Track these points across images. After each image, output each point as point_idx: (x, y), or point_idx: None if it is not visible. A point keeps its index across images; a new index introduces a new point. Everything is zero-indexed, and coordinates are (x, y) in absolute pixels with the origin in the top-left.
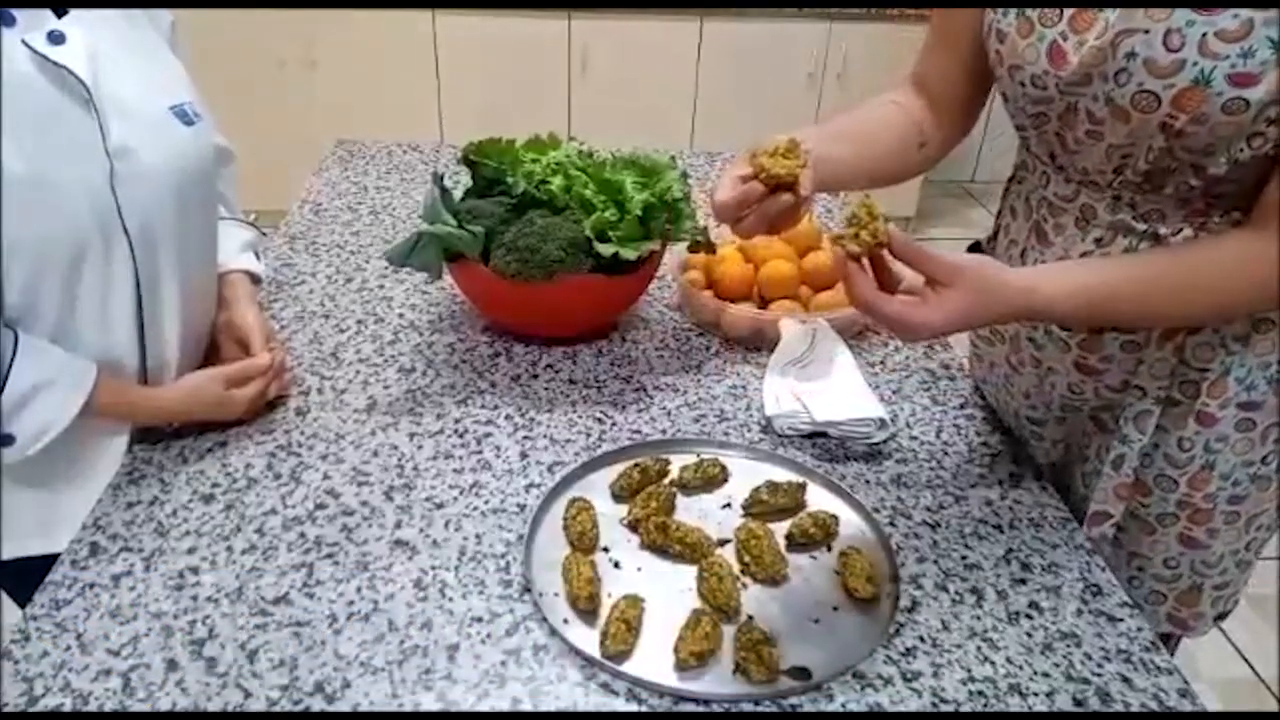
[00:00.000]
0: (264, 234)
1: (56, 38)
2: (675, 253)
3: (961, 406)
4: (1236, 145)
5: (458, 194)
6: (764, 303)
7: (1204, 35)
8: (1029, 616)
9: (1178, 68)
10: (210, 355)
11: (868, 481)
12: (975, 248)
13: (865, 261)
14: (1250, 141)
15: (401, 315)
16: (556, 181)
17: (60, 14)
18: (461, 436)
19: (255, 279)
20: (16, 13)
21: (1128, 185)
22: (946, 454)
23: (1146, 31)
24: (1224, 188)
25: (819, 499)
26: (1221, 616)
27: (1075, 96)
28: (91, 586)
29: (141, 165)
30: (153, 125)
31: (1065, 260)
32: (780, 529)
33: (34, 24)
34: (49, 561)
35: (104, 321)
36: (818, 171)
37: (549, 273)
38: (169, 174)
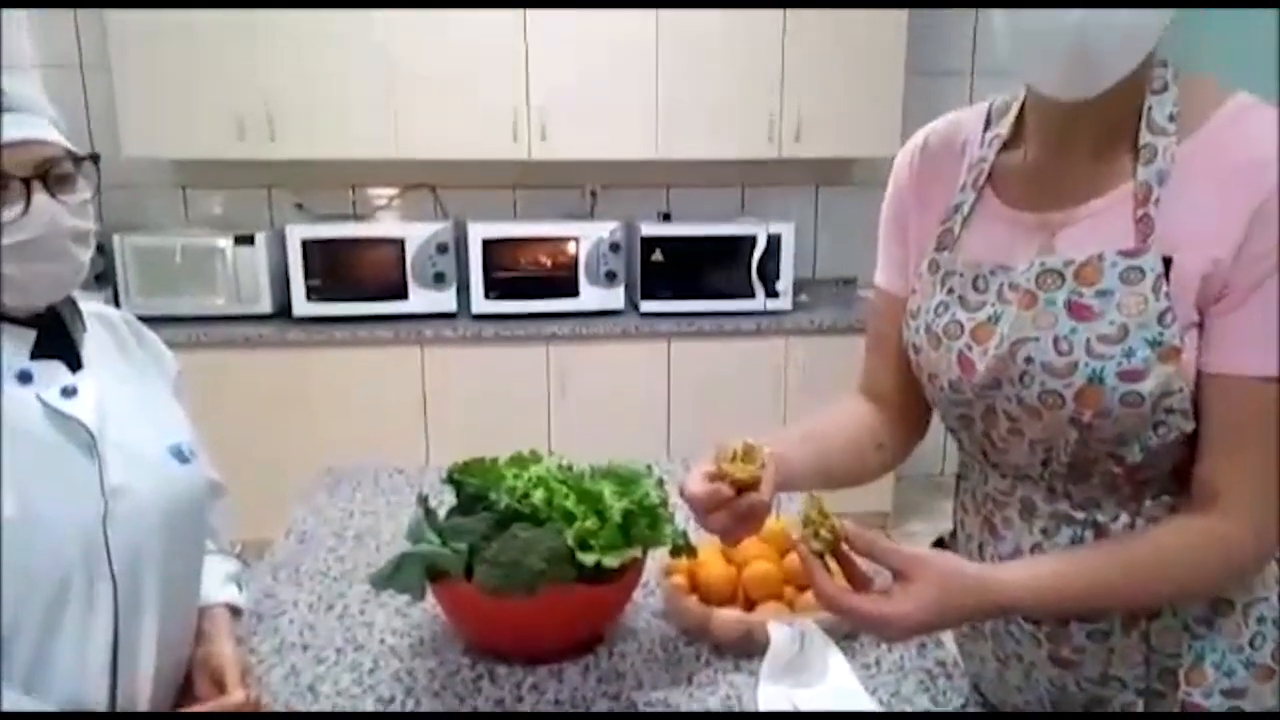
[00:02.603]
0: (247, 565)
1: (69, 391)
2: (657, 558)
3: (963, 706)
4: (1145, 435)
5: (442, 513)
6: (750, 604)
7: (1088, 340)
8: None
9: (1072, 369)
10: (184, 691)
11: None
12: (939, 544)
13: (831, 561)
14: (1156, 430)
15: (382, 640)
16: (538, 495)
17: (75, 369)
18: None
19: (236, 612)
20: (35, 370)
21: (1057, 476)
22: None
23: (1038, 340)
24: (1146, 474)
25: None
26: None
27: (990, 399)
28: None
29: (135, 503)
30: (150, 465)
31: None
32: None
33: (50, 380)
34: None
35: (79, 659)
36: (778, 473)
37: (532, 585)
38: (160, 511)
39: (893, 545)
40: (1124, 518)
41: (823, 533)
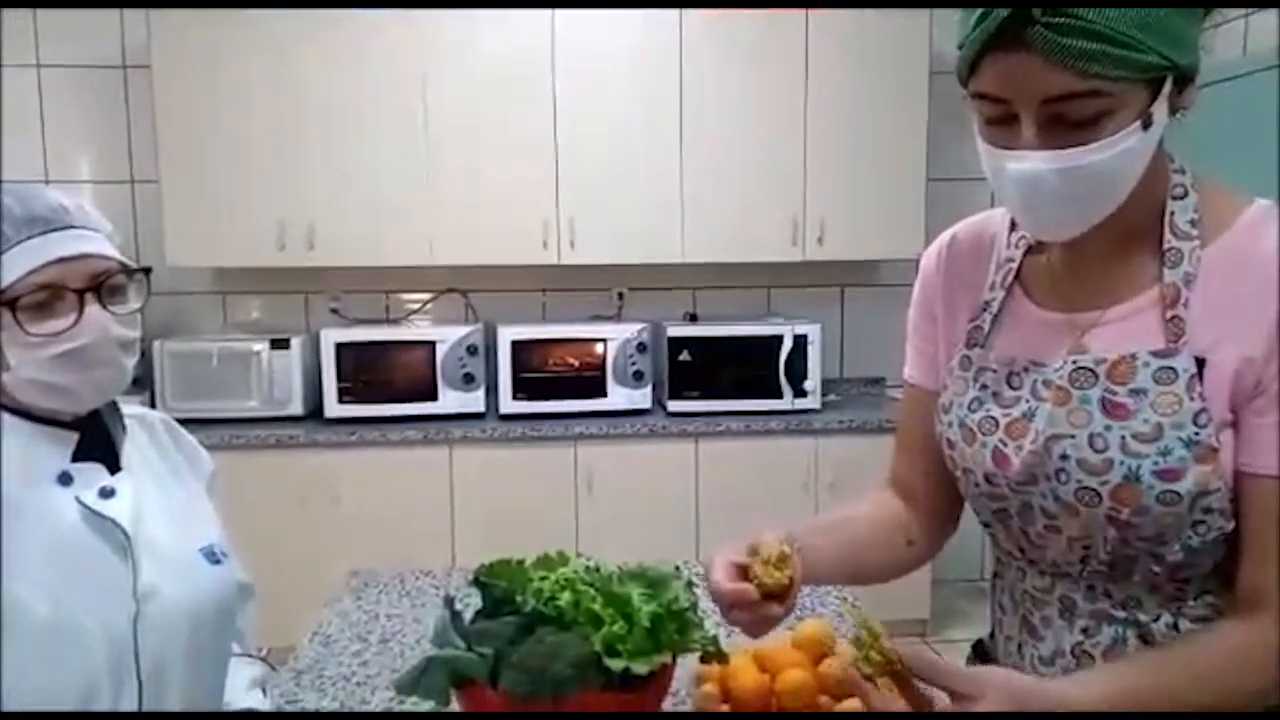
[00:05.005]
0: (274, 669)
1: (107, 493)
2: (687, 665)
3: None
4: (1184, 534)
5: (468, 615)
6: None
7: (1123, 438)
8: None
9: (1108, 466)
10: None
11: None
12: (978, 646)
13: (888, 682)
14: (1196, 529)
15: None
16: (565, 597)
17: (114, 471)
18: None
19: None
20: (75, 472)
21: (1097, 574)
22: None
23: (1073, 437)
24: (1187, 572)
25: None
26: None
27: (1026, 495)
28: None
29: (164, 605)
30: (182, 566)
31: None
32: None
33: (89, 481)
34: None
35: None
36: (804, 563)
37: (558, 692)
38: (189, 613)
39: (953, 668)
40: (1166, 617)
41: (873, 655)
